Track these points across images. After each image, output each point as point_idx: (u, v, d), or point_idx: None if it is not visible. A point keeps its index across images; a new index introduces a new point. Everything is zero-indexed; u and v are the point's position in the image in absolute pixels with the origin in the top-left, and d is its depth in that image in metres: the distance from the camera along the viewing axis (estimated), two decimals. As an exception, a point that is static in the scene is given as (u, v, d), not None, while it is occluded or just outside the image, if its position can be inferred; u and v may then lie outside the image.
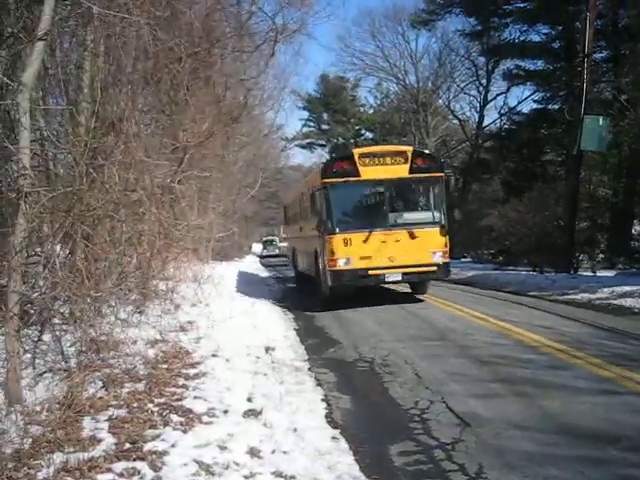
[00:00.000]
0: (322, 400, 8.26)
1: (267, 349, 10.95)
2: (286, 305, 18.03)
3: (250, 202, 32.24)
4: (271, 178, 55.92)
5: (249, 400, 7.74)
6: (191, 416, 6.89)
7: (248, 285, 22.90)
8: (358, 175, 15.67)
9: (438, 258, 15.78)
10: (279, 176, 65.20)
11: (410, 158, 15.95)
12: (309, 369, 9.99)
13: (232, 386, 8.15)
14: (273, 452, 6.15)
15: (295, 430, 6.85)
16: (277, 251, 67.18)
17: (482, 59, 43.71)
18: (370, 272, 15.46)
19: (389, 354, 10.65)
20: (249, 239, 63.84)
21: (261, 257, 61.09)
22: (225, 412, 7.16)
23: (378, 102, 64.24)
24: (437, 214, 16.18)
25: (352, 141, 63.09)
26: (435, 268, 15.79)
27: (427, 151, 18.85)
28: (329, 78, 67.34)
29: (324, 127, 71.73)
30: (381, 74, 56.33)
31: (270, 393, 8.13)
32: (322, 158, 66.09)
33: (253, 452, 6.08)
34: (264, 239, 74.71)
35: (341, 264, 15.46)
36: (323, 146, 72.25)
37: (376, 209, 16.24)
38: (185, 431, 6.41)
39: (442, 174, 16.40)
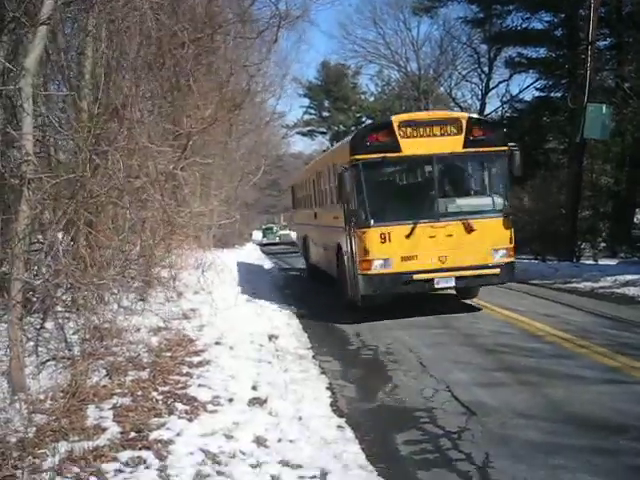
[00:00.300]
0: (327, 388, 8.26)
1: (270, 337, 10.92)
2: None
3: (251, 189, 32.27)
4: (272, 165, 55.78)
5: (254, 388, 7.72)
6: (196, 404, 6.87)
7: (250, 273, 22.85)
8: (398, 150, 12.24)
9: (501, 257, 12.48)
10: (280, 163, 65.09)
11: (465, 127, 12.50)
12: (313, 357, 9.97)
13: (236, 374, 8.13)
14: (279, 441, 6.13)
15: (300, 419, 6.83)
16: (277, 239, 67.10)
17: (484, 47, 43.31)
18: (415, 277, 12.13)
19: (393, 342, 10.63)
20: (249, 226, 63.73)
21: (261, 245, 61.01)
22: (230, 400, 7.14)
23: (379, 89, 63.94)
24: (499, 200, 12.86)
25: (353, 128, 62.84)
26: (498, 270, 12.42)
27: (486, 118, 15.27)
28: (330, 65, 67.12)
29: (325, 114, 71.60)
30: (382, 61, 56.02)
31: (275, 381, 8.11)
32: (322, 146, 66.04)
33: (259, 441, 6.05)
34: (264, 227, 74.65)
35: (377, 266, 12.10)
36: (324, 133, 72.16)
37: (422, 194, 12.80)
38: (190, 420, 6.39)
39: (505, 147, 12.74)
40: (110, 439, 5.70)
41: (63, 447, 5.42)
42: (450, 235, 12.25)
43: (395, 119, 12.56)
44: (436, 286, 12.42)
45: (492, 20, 38.64)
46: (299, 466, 5.58)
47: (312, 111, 72.45)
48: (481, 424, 6.67)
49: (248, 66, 17.19)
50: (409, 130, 12.36)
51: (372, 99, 65.98)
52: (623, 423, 6.44)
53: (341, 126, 68.17)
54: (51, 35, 8.85)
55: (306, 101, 71.28)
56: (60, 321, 8.35)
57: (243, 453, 5.73)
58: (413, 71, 53.89)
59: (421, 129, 12.42)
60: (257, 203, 61.35)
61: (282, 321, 12.71)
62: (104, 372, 7.56)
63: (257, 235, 73.73)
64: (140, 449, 5.54)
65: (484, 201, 12.94)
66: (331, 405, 7.59)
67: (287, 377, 8.45)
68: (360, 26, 56.72)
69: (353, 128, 58.98)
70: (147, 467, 5.26)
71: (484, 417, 6.87)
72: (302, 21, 19.71)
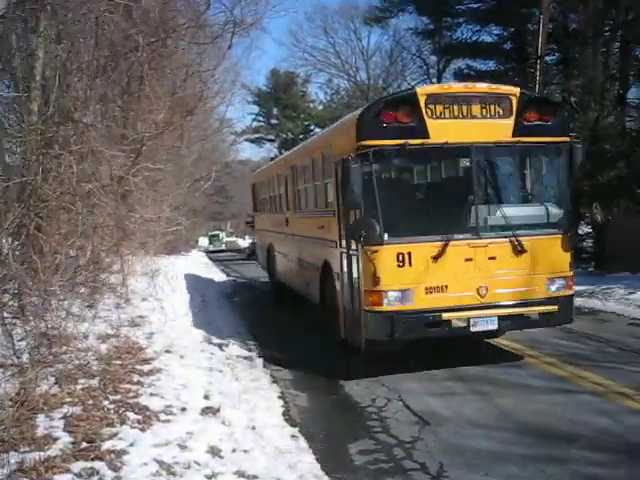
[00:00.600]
0: (279, 397, 8.27)
1: (220, 345, 10.83)
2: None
3: (199, 196, 31.89)
4: (220, 172, 55.48)
5: (206, 397, 7.63)
6: (148, 414, 6.74)
7: (198, 281, 22.64)
8: (424, 135, 8.87)
9: (558, 289, 9.24)
10: (228, 170, 64.71)
11: (516, 108, 9.25)
12: (264, 366, 9.92)
13: (188, 383, 8.02)
14: (234, 451, 6.07)
15: (254, 428, 6.81)
16: (223, 246, 66.87)
17: (434, 58, 43.80)
18: (445, 316, 8.69)
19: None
20: (196, 233, 63.20)
21: (207, 252, 60.71)
22: (183, 410, 7.03)
23: (328, 98, 64.19)
24: (556, 210, 9.49)
25: (301, 137, 62.91)
26: (555, 307, 9.06)
27: (544, 96, 11.44)
28: (280, 73, 67.18)
29: (273, 122, 71.53)
30: (332, 70, 56.42)
31: (227, 390, 8.05)
32: (271, 153, 65.94)
33: (214, 451, 5.98)
34: (210, 234, 74.10)
35: (392, 300, 8.66)
36: (272, 141, 72.11)
37: (456, 199, 9.39)
38: (143, 429, 6.27)
39: (567, 139, 9.46)
40: (62, 449, 5.55)
41: (13, 458, 5.26)
42: (492, 258, 8.98)
43: (421, 91, 9.14)
44: (472, 329, 8.89)
45: (442, 32, 39.05)
46: (254, 477, 5.54)
47: (261, 118, 72.34)
48: (434, 434, 6.73)
49: (202, 72, 17.06)
50: (439, 108, 9.06)
51: (321, 108, 66.22)
52: (574, 432, 6.57)
53: (289, 134, 68.28)
54: (2, 35, 8.68)
55: (255, 108, 71.13)
56: (8, 327, 8.13)
57: (198, 464, 5.65)
58: (362, 80, 54.38)
59: (456, 107, 9.13)
60: (204, 210, 60.98)
61: (231, 329, 12.62)
62: (53, 380, 7.36)
63: (203, 242, 73.24)
64: (93, 460, 5.41)
65: (538, 211, 9.58)
66: (283, 414, 7.61)
67: (239, 386, 8.41)
68: (311, 34, 57.09)
69: (301, 136, 59.14)
70: (100, 478, 5.13)
71: (437, 427, 6.93)
72: (255, 28, 19.61)
